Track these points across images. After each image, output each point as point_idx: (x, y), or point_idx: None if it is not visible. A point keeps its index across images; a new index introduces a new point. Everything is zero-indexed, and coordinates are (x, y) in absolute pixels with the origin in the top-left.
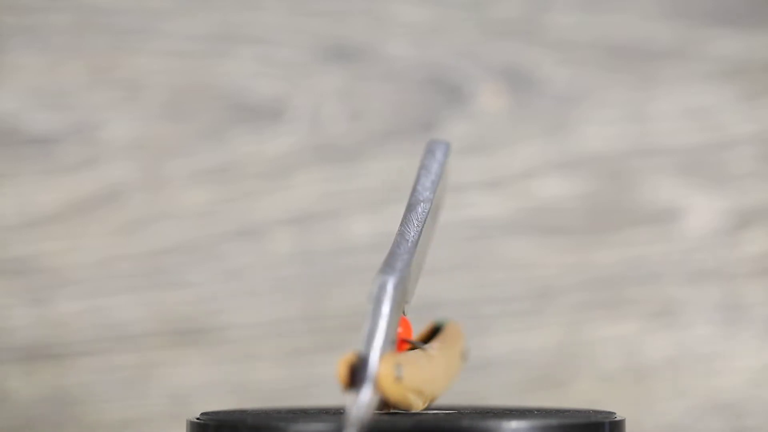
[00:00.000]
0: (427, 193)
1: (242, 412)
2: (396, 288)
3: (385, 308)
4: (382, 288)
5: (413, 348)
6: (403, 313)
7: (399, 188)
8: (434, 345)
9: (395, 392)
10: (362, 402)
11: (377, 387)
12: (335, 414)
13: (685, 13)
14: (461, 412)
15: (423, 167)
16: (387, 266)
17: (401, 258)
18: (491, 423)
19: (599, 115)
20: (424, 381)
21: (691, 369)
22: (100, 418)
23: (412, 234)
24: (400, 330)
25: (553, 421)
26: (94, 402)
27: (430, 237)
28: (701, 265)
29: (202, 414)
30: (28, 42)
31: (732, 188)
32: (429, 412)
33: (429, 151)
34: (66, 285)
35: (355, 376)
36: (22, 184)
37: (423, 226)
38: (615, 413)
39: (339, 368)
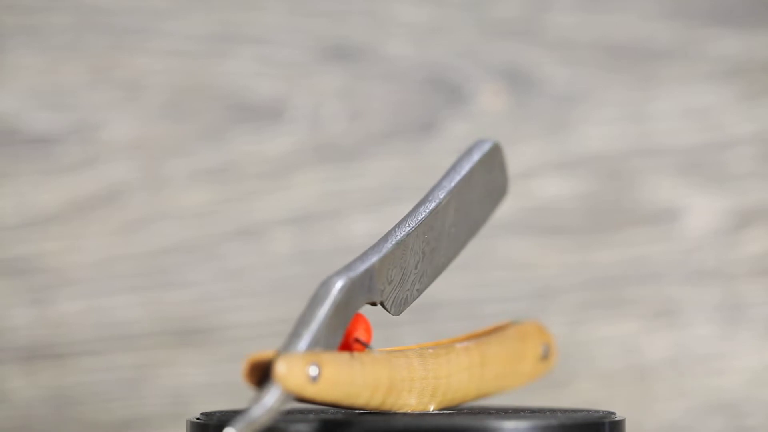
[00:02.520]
0: (441, 194)
1: (242, 413)
2: (342, 289)
3: (322, 308)
4: (326, 288)
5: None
6: (385, 307)
7: (399, 188)
8: (460, 344)
9: (311, 393)
10: (264, 403)
11: (284, 387)
12: (334, 414)
13: (685, 13)
14: (460, 412)
15: (453, 167)
16: (345, 267)
17: (366, 260)
18: (491, 423)
19: (599, 115)
20: (353, 381)
21: (691, 369)
22: (100, 418)
23: (400, 234)
24: (356, 330)
25: (553, 421)
26: (94, 402)
27: (457, 236)
28: (701, 265)
29: (202, 414)
30: (28, 42)
31: (732, 188)
32: (430, 412)
33: (467, 151)
34: (66, 285)
35: (264, 375)
36: (22, 184)
37: (418, 226)
38: (615, 413)
39: (242, 366)
